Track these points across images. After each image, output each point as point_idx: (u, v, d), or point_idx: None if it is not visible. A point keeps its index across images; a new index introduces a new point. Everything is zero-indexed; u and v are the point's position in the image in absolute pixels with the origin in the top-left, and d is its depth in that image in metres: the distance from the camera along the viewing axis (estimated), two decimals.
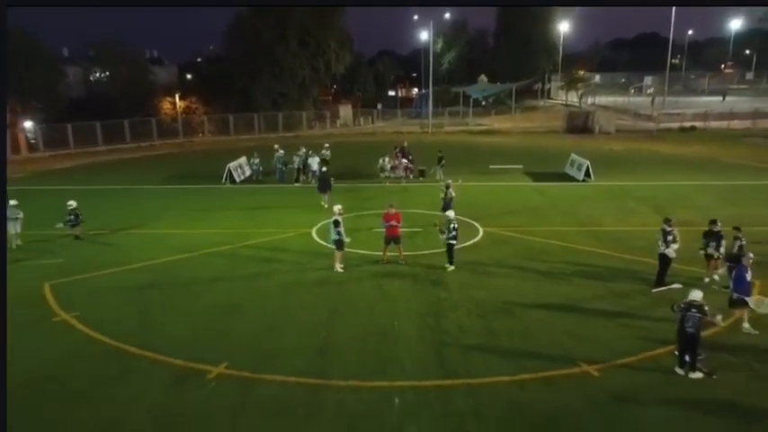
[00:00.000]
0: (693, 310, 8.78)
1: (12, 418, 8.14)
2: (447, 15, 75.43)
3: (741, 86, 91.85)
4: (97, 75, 56.99)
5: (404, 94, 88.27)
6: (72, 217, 16.77)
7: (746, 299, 10.59)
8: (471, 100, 64.45)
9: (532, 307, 11.80)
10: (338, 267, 14.09)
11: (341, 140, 40.70)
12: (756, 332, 10.42)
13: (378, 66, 72.38)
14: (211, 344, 10.43)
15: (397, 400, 8.53)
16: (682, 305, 9.05)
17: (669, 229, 12.40)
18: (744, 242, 12.12)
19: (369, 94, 71.38)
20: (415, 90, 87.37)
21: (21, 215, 16.44)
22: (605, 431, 7.85)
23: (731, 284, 10.86)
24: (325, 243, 16.24)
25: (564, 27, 79.08)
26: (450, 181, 18.49)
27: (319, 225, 18.30)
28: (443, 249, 14.26)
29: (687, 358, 8.99)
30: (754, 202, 20.93)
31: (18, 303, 12.02)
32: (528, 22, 79.04)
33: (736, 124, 46.77)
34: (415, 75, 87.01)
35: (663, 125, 48.05)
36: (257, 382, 9.08)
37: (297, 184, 25.40)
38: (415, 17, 68.44)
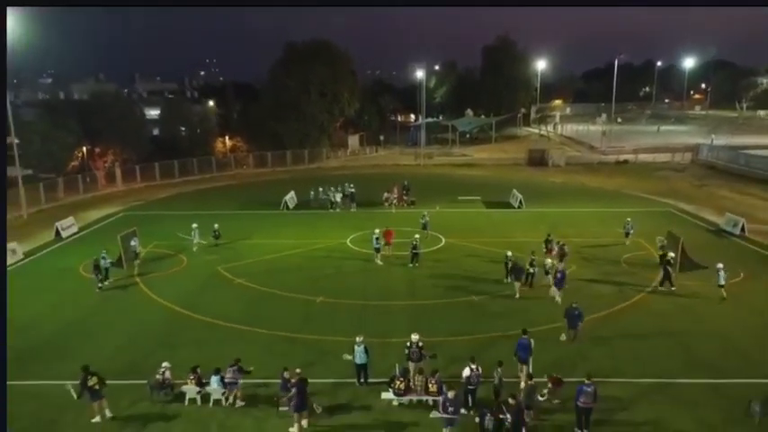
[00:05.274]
0: (518, 270, 21.87)
1: (250, 310, 21.29)
2: (437, 67, 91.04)
3: (697, 113, 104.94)
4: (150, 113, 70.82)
5: (402, 120, 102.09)
6: (217, 233, 29.86)
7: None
8: (458, 132, 77.65)
9: (460, 276, 24.86)
10: (378, 261, 26.93)
11: (354, 173, 53.59)
12: (558, 298, 22.93)
13: (380, 101, 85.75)
14: (313, 290, 23.36)
15: (392, 309, 21.58)
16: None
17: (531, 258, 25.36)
18: (565, 246, 25.17)
19: (373, 125, 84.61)
20: (413, 116, 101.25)
21: (197, 231, 29.33)
22: (474, 316, 20.82)
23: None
24: (355, 247, 29.38)
25: (542, 65, 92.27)
26: (426, 212, 31.56)
27: (350, 237, 31.32)
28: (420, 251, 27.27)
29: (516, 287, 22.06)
30: (618, 223, 33.59)
31: (213, 277, 25.28)
32: (510, 60, 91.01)
33: (661, 157, 58.71)
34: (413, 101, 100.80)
35: (604, 158, 60.76)
36: (339, 304, 22.07)
37: (330, 211, 38.47)
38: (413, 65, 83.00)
